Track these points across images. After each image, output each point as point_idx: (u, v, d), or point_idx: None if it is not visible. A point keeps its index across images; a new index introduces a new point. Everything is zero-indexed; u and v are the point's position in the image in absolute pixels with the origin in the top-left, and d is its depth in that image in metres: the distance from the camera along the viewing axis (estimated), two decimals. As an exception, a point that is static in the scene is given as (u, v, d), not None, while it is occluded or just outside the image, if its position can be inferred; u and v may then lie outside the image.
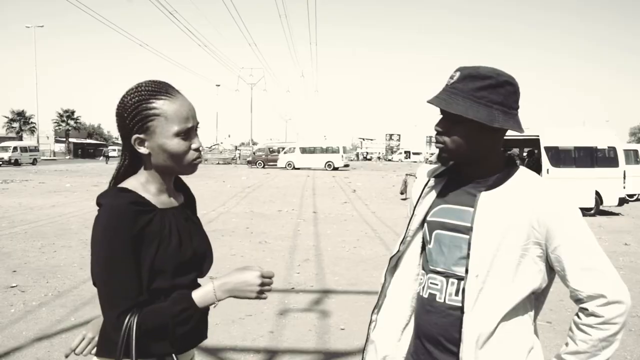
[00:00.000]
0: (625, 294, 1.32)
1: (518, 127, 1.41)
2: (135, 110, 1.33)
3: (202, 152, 1.44)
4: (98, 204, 1.32)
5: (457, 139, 1.41)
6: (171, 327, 1.28)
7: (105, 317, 1.29)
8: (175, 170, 1.41)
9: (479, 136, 1.40)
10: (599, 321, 1.30)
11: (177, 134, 1.34)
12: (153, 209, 1.36)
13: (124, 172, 1.43)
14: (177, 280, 1.37)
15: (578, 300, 1.35)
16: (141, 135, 1.35)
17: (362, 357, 1.67)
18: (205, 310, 1.36)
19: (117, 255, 1.26)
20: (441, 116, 1.46)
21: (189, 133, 1.37)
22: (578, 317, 1.35)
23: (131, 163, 1.43)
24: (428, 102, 1.43)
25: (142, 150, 1.36)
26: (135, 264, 1.28)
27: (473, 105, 1.36)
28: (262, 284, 1.36)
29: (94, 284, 1.31)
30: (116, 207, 1.28)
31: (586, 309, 1.32)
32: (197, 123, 1.41)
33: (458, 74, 1.41)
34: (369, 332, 1.67)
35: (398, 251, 1.61)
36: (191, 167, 1.41)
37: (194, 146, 1.39)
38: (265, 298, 1.39)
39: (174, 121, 1.34)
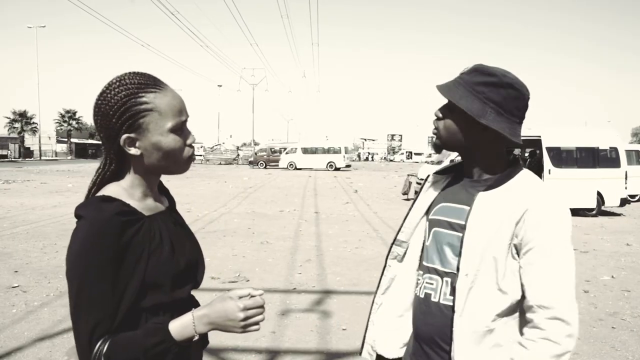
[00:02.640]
0: (574, 319, 1.27)
1: (511, 134, 1.37)
2: (124, 106, 1.17)
3: (195, 149, 1.32)
4: (77, 215, 1.16)
5: (449, 126, 1.44)
6: None
7: (76, 342, 1.14)
8: (169, 169, 1.27)
9: (468, 129, 1.41)
10: (541, 335, 1.26)
11: (172, 130, 1.21)
12: (141, 218, 1.21)
13: (109, 177, 1.27)
14: (176, 293, 1.24)
15: (527, 308, 1.32)
16: (132, 135, 1.19)
17: (364, 335, 1.67)
18: (186, 344, 1.18)
19: (93, 276, 1.10)
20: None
21: (182, 128, 1.25)
22: (522, 333, 1.33)
23: (116, 168, 1.26)
24: (436, 85, 1.46)
25: (133, 151, 1.21)
26: (112, 284, 1.12)
27: (468, 97, 1.37)
28: (247, 317, 1.18)
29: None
30: (100, 220, 1.12)
31: (531, 320, 1.29)
32: (188, 117, 1.28)
33: (471, 66, 1.44)
34: (371, 313, 1.67)
35: (396, 239, 1.62)
36: (186, 165, 1.28)
37: (188, 141, 1.26)
38: (256, 330, 1.21)
39: (168, 116, 1.20)
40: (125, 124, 1.18)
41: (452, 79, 1.45)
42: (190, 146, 1.28)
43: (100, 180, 1.27)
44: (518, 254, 1.35)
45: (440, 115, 1.46)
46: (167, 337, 1.15)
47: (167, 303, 1.22)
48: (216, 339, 4.32)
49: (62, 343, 4.12)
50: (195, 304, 1.36)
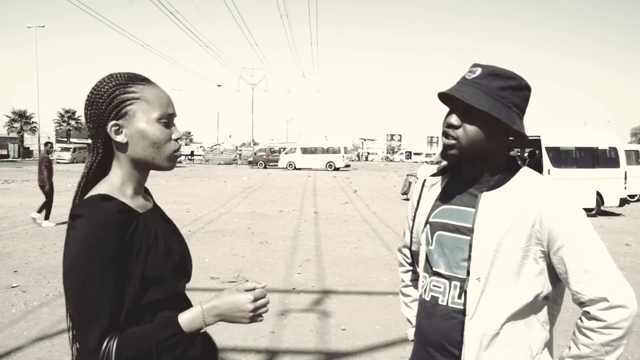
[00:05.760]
0: (630, 299, 1.27)
1: (526, 133, 1.40)
2: (112, 94, 1.22)
3: (181, 145, 1.33)
4: (75, 215, 1.16)
5: (473, 134, 1.37)
6: (155, 355, 1.14)
7: (81, 342, 1.14)
8: (154, 162, 1.26)
9: (492, 135, 1.37)
10: (601, 325, 1.25)
11: (159, 119, 1.24)
12: (136, 215, 1.23)
13: (95, 170, 1.29)
14: (174, 287, 1.28)
15: (581, 304, 1.31)
16: (119, 122, 1.22)
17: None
18: (193, 336, 1.21)
19: (97, 274, 1.11)
20: (448, 110, 1.43)
21: (169, 121, 1.27)
22: (580, 320, 1.31)
23: (103, 159, 1.28)
24: (447, 92, 1.37)
25: (119, 138, 1.23)
26: (116, 282, 1.14)
27: (496, 104, 1.34)
28: (255, 309, 1.23)
29: (67, 301, 1.17)
30: (102, 218, 1.13)
31: (588, 313, 1.28)
32: (175, 114, 1.31)
33: (479, 69, 1.38)
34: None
35: (410, 249, 1.67)
36: (171, 160, 1.29)
37: (174, 136, 1.28)
38: (260, 321, 1.26)
39: (155, 105, 1.24)
40: (113, 110, 1.23)
41: (463, 84, 1.38)
42: (177, 140, 1.30)
43: (88, 172, 1.29)
44: (543, 256, 1.34)
45: (457, 123, 1.38)
46: (179, 330, 1.18)
47: (165, 299, 1.24)
48: (215, 339, 4.26)
49: (62, 343, 4.12)
50: (188, 300, 1.38)
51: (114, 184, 1.26)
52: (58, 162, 44.40)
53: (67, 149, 47.41)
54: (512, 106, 1.36)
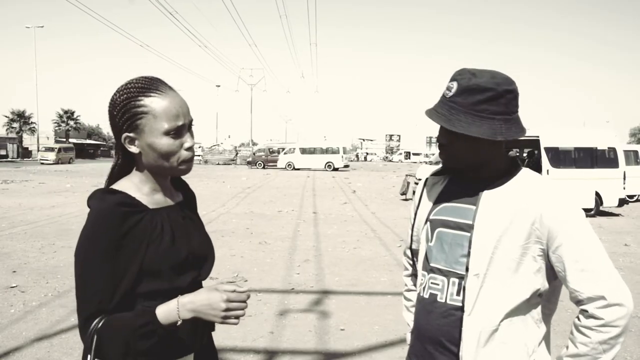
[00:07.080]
0: (627, 297, 1.29)
1: (520, 131, 1.39)
2: (124, 108, 1.28)
3: (195, 152, 1.37)
4: (88, 206, 1.28)
5: (461, 151, 1.41)
6: (132, 341, 1.20)
7: (78, 319, 1.24)
8: (166, 170, 1.34)
9: (482, 146, 1.39)
10: (598, 323, 1.27)
11: (167, 133, 1.28)
12: (143, 209, 1.30)
13: (118, 171, 1.38)
14: (175, 281, 1.31)
15: (578, 302, 1.33)
16: (131, 134, 1.29)
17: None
18: (171, 328, 1.24)
19: (93, 260, 1.21)
20: (440, 126, 1.45)
21: (180, 131, 1.30)
22: (578, 319, 1.33)
23: (125, 162, 1.37)
24: (428, 117, 1.42)
25: (133, 149, 1.31)
26: (112, 269, 1.21)
27: (475, 121, 1.34)
28: (228, 309, 1.24)
29: None
30: (101, 210, 1.23)
31: (586, 311, 1.30)
32: (191, 120, 1.34)
33: (455, 85, 1.38)
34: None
35: (412, 250, 1.68)
36: (183, 168, 1.34)
37: (185, 145, 1.32)
38: (235, 324, 1.27)
39: (162, 119, 1.27)
40: (125, 124, 1.29)
41: (442, 104, 1.41)
42: (189, 149, 1.33)
43: (111, 174, 1.39)
44: (542, 254, 1.35)
45: (444, 142, 1.44)
46: (153, 319, 1.22)
47: (164, 290, 1.28)
48: (214, 339, 4.24)
49: (61, 343, 4.12)
50: None
51: (133, 180, 1.35)
52: (42, 163, 43.26)
53: (52, 149, 46.02)
54: (494, 116, 1.35)
